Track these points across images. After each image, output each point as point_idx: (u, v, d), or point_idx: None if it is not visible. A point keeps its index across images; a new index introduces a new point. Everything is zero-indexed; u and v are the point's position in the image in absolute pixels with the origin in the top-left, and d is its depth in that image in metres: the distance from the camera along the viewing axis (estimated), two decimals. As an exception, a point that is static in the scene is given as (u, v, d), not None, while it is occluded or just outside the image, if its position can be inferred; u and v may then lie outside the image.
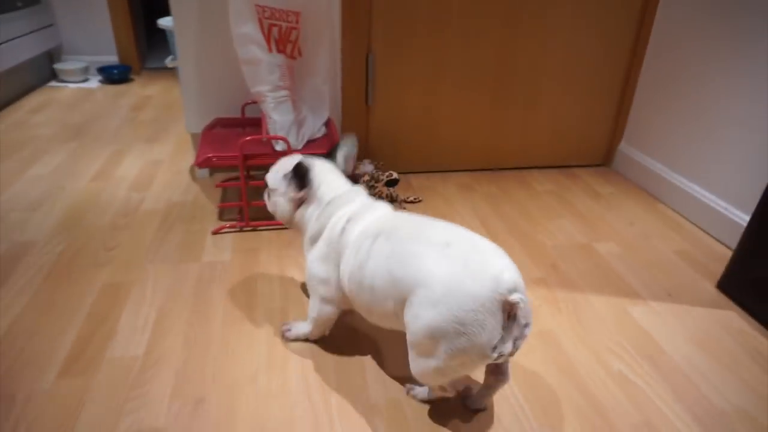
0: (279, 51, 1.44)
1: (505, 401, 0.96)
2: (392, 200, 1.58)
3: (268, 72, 1.43)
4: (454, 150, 1.83)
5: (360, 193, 1.00)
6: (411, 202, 1.60)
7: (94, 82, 2.75)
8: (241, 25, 1.38)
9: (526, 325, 0.77)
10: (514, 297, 0.74)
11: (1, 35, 2.19)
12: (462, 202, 1.67)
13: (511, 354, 0.78)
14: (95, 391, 0.94)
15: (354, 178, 1.61)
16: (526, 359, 1.05)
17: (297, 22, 1.44)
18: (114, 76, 2.75)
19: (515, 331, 0.76)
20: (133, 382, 0.96)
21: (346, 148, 1.06)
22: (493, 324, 0.74)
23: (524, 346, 1.07)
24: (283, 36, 1.44)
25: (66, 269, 1.27)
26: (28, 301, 1.15)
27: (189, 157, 1.89)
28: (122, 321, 1.11)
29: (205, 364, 1.01)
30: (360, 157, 1.69)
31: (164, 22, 1.70)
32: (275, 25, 1.42)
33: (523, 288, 0.77)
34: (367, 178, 1.57)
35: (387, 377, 1.00)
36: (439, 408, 0.94)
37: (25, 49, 2.40)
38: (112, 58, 2.87)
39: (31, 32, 2.45)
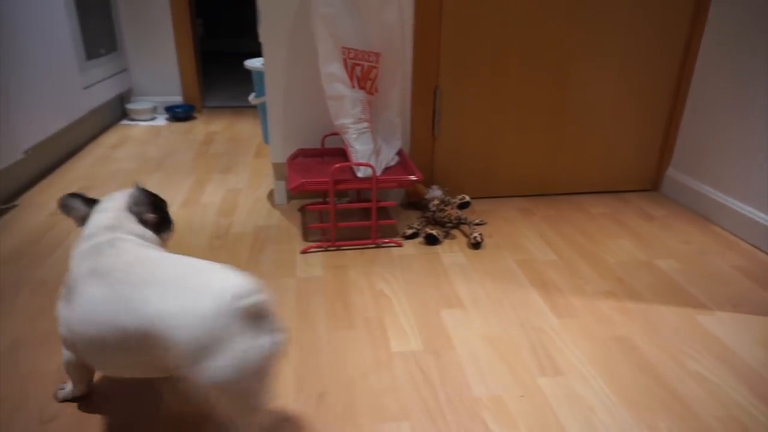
0: (360, 87, 1.60)
1: (595, 396, 1.05)
2: (461, 222, 1.71)
3: (351, 106, 1.59)
4: (512, 176, 1.96)
5: (106, 216, 0.95)
6: (477, 224, 1.72)
7: (161, 120, 2.96)
8: (328, 65, 1.55)
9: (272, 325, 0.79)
10: (244, 302, 0.75)
11: (89, 79, 2.41)
12: (524, 224, 1.78)
13: (276, 351, 0.79)
14: (228, 386, 1.06)
15: (423, 203, 1.75)
16: (609, 361, 1.15)
17: (377, 62, 1.61)
18: (179, 114, 2.97)
19: (266, 327, 0.78)
20: (260, 379, 1.08)
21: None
22: (242, 330, 0.75)
23: (603, 349, 1.18)
24: (364, 74, 1.60)
25: (178, 284, 1.40)
26: (151, 311, 1.29)
27: (265, 185, 2.05)
28: (237, 328, 1.24)
29: (320, 363, 1.13)
30: (427, 183, 1.84)
31: (250, 63, 1.88)
32: (358, 64, 1.59)
33: (255, 291, 0.77)
34: (437, 202, 1.70)
35: (487, 375, 1.10)
36: (538, 402, 1.04)
37: (106, 91, 2.63)
38: (177, 98, 3.09)
39: (111, 76, 2.68)
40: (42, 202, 1.88)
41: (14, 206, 1.83)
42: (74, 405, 1.01)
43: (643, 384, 1.09)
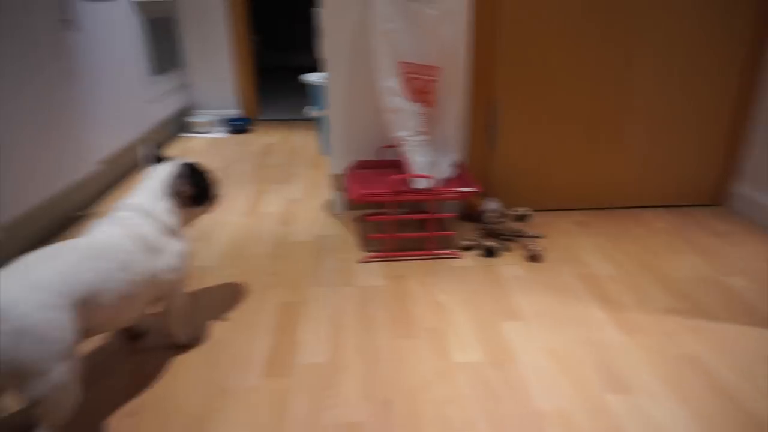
0: (418, 101, 1.63)
1: (668, 416, 1.02)
2: (518, 235, 1.70)
3: (409, 119, 1.61)
4: (569, 189, 1.94)
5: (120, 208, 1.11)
6: (535, 237, 1.70)
7: (220, 133, 3.08)
8: (387, 79, 1.58)
9: None
10: None
11: (155, 94, 2.54)
12: (582, 237, 1.76)
13: None
14: (295, 390, 1.09)
15: (480, 215, 1.75)
16: (680, 380, 1.12)
17: (435, 75, 1.63)
18: (237, 127, 3.08)
19: None
20: (326, 384, 1.11)
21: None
22: None
23: (673, 368, 1.15)
24: (423, 88, 1.63)
25: (243, 290, 1.46)
26: (218, 316, 1.34)
27: (322, 196, 2.09)
28: (302, 333, 1.27)
29: (383, 372, 1.14)
30: (484, 196, 1.84)
31: (308, 78, 1.94)
32: (416, 78, 1.61)
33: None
34: (494, 214, 1.70)
35: (551, 389, 1.09)
36: (606, 420, 1.02)
37: (172, 105, 2.76)
38: (234, 112, 3.21)
39: (174, 91, 2.81)
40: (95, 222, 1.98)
41: (89, 214, 1.94)
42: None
43: (718, 406, 1.05)
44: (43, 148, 1.62)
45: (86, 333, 0.94)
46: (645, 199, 1.99)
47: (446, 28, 1.61)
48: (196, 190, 1.17)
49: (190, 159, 1.21)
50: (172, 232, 1.12)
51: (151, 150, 1.20)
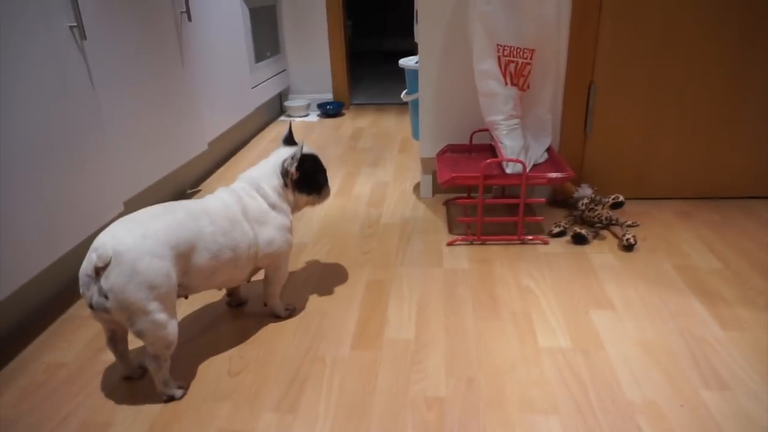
0: (513, 84, 1.62)
1: (769, 416, 0.98)
2: (612, 223, 1.65)
3: (503, 103, 1.61)
4: (670, 177, 1.84)
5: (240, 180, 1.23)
6: (630, 225, 1.64)
7: (313, 117, 3.20)
8: (482, 62, 1.59)
9: (102, 278, 0.94)
10: (90, 256, 0.95)
11: (257, 79, 2.70)
12: (682, 228, 1.67)
13: (96, 305, 0.95)
14: (384, 363, 1.15)
15: (572, 201, 1.71)
16: (786, 381, 1.05)
17: (531, 58, 1.61)
18: (330, 111, 3.19)
19: (93, 281, 0.95)
20: (412, 359, 1.16)
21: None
22: (83, 276, 0.97)
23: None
24: (518, 71, 1.61)
25: (335, 266, 1.54)
26: (313, 288, 1.43)
27: (410, 179, 2.14)
28: (389, 310, 1.33)
29: (468, 351, 1.18)
30: (576, 181, 1.79)
31: (404, 62, 1.98)
32: (512, 61, 1.60)
33: (103, 250, 0.93)
34: (586, 201, 1.66)
35: (641, 379, 1.07)
36: (701, 415, 0.99)
37: (270, 90, 2.92)
38: (327, 96, 3.32)
39: (274, 76, 2.96)
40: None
41: (198, 191, 2.12)
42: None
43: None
44: (163, 131, 1.79)
45: (181, 289, 1.05)
46: (755, 189, 1.84)
47: (546, 8, 1.58)
48: (302, 175, 1.23)
49: (311, 149, 1.27)
50: (278, 208, 1.21)
51: (286, 133, 1.30)
